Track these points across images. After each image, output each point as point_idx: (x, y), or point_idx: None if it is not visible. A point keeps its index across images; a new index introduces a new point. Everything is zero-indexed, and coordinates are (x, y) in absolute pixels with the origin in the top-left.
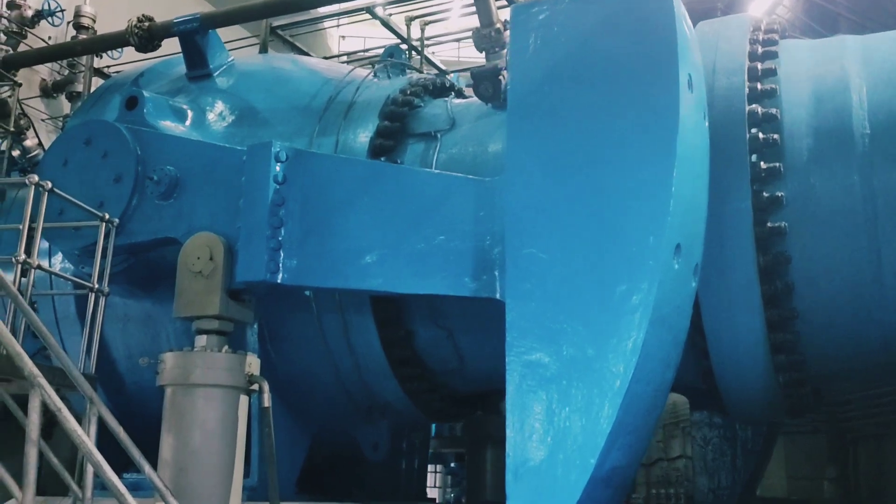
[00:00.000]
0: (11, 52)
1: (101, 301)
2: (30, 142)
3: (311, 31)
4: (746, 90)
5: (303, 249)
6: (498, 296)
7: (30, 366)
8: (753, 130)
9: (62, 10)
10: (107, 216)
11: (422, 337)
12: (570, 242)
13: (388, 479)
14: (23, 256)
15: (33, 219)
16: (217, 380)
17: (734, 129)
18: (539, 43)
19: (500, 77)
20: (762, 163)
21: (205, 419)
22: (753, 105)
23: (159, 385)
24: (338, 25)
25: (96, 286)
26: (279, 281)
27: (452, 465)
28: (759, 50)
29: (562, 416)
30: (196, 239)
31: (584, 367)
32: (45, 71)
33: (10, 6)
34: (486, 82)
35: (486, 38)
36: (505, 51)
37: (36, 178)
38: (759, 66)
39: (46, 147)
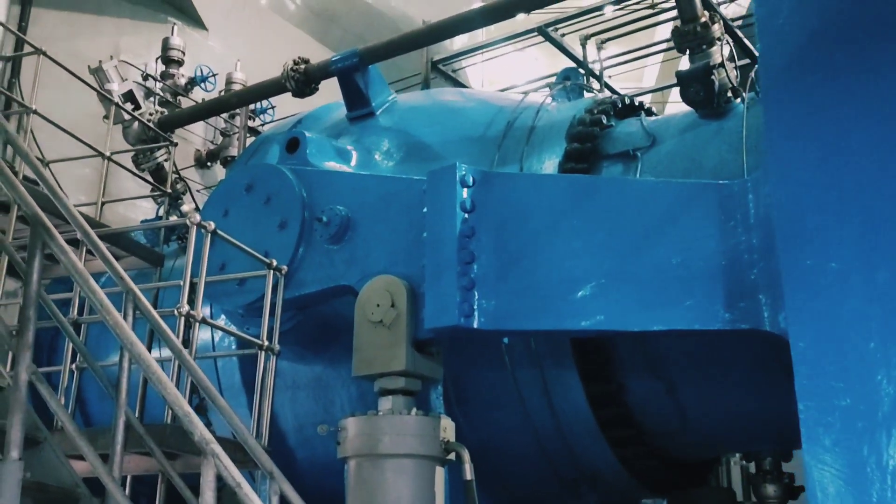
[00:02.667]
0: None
1: (272, 361)
2: (187, 207)
3: (472, 65)
4: None
5: (501, 287)
6: (767, 326)
7: (201, 430)
8: None
9: (214, 75)
10: (275, 263)
11: (636, 392)
12: (871, 245)
13: None
14: (186, 308)
15: (194, 269)
16: (409, 448)
17: None
18: (795, 2)
19: (713, 77)
20: None
21: (398, 497)
22: None
23: (341, 458)
24: (497, 56)
25: (266, 343)
26: (475, 326)
27: None
28: None
29: None
30: (374, 284)
31: None
32: (198, 141)
33: (164, 75)
34: (695, 84)
35: (688, 35)
36: (714, 48)
37: (198, 217)
38: None
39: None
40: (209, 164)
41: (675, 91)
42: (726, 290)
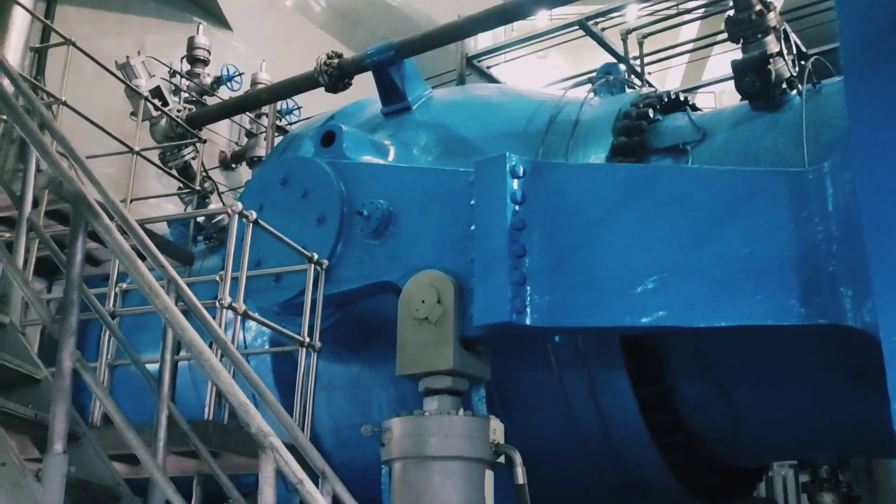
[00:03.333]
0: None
1: (313, 358)
2: (214, 206)
3: (508, 62)
4: None
5: (554, 282)
6: (849, 320)
7: (259, 422)
8: None
9: (241, 74)
10: (315, 256)
11: (688, 395)
12: None
13: None
14: (228, 300)
15: (234, 261)
16: (458, 451)
17: None
18: None
19: (769, 67)
20: None
21: (446, 501)
22: None
23: (385, 460)
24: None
25: (307, 340)
26: (528, 323)
27: None
28: None
29: None
30: (419, 279)
31: None
32: (222, 142)
33: (190, 75)
34: (751, 74)
35: (743, 23)
36: (769, 37)
37: (240, 206)
38: None
39: None
40: (234, 165)
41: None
42: (801, 284)
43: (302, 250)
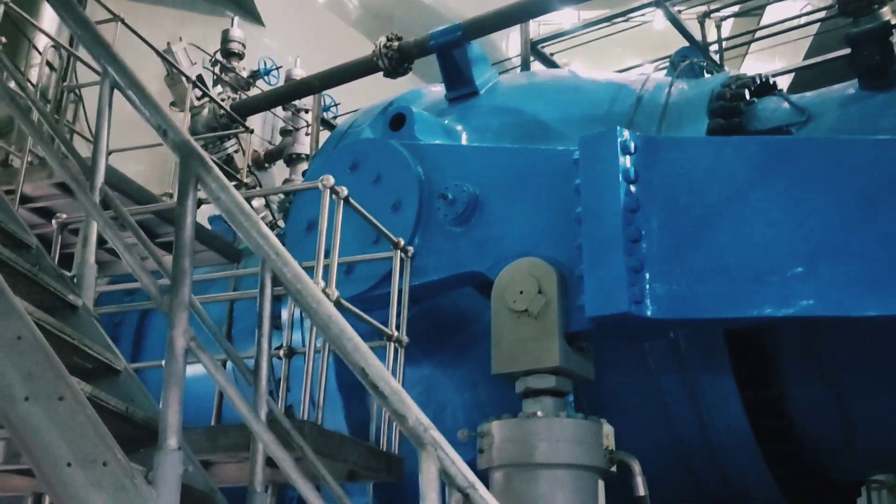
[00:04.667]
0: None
1: (401, 355)
2: (257, 203)
3: (573, 47)
4: None
5: (675, 269)
6: None
7: (417, 413)
8: None
9: (278, 68)
10: (402, 242)
11: (799, 400)
12: None
13: None
14: (322, 284)
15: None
16: (570, 458)
17: None
18: None
19: (891, 38)
20: None
21: None
22: None
23: (483, 468)
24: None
25: (394, 333)
26: (648, 315)
27: None
28: None
29: None
30: (516, 268)
31: None
32: (255, 142)
33: (224, 69)
34: (870, 46)
35: None
36: (885, 8)
37: (331, 179)
38: None
39: (273, 209)
40: (267, 165)
41: None
42: None
43: (388, 234)
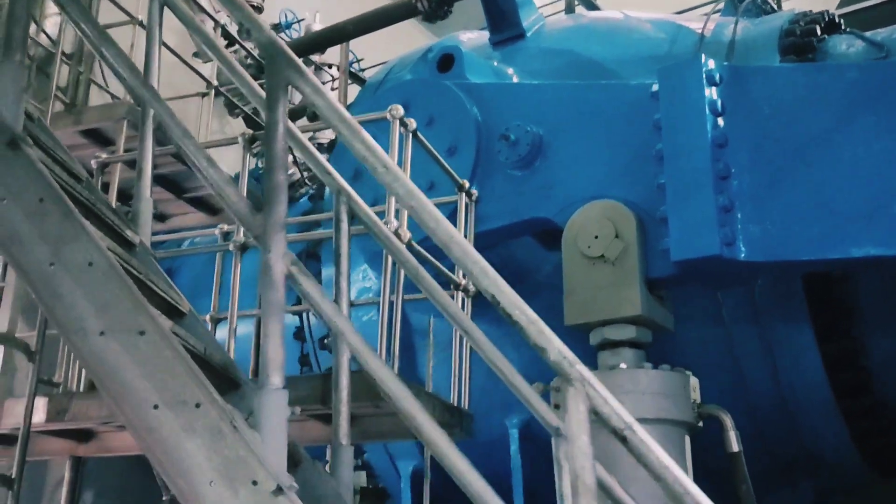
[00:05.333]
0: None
1: (468, 305)
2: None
3: None
4: None
5: (768, 208)
6: None
7: (558, 345)
8: None
9: (300, 21)
10: (466, 184)
11: (879, 352)
12: None
13: None
14: (395, 224)
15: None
16: (659, 412)
17: None
18: None
19: None
20: None
21: (643, 473)
22: None
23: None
24: None
25: (462, 282)
26: (741, 257)
27: None
28: None
29: None
30: (588, 211)
31: None
32: None
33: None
34: None
35: None
36: None
37: (400, 109)
38: None
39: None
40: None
41: None
42: None
43: (454, 174)
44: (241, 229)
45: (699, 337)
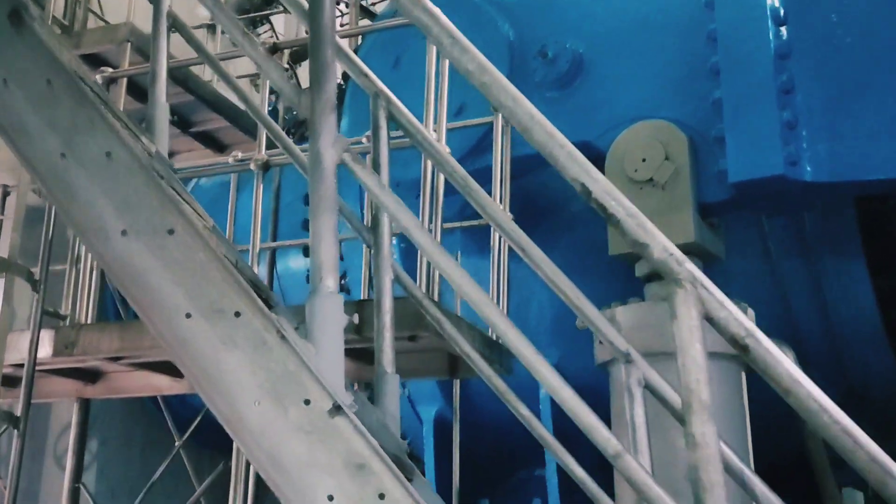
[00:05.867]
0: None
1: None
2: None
3: None
4: None
5: (836, 125)
6: None
7: (662, 240)
8: None
9: None
10: None
11: None
12: None
13: None
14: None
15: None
16: (711, 345)
17: None
18: None
19: None
20: None
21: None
22: None
23: (602, 363)
24: None
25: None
26: (808, 178)
27: None
28: None
29: None
30: (633, 133)
31: None
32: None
33: None
34: None
35: None
36: None
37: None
38: None
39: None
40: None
41: None
42: None
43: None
44: (263, 148)
45: (744, 270)
